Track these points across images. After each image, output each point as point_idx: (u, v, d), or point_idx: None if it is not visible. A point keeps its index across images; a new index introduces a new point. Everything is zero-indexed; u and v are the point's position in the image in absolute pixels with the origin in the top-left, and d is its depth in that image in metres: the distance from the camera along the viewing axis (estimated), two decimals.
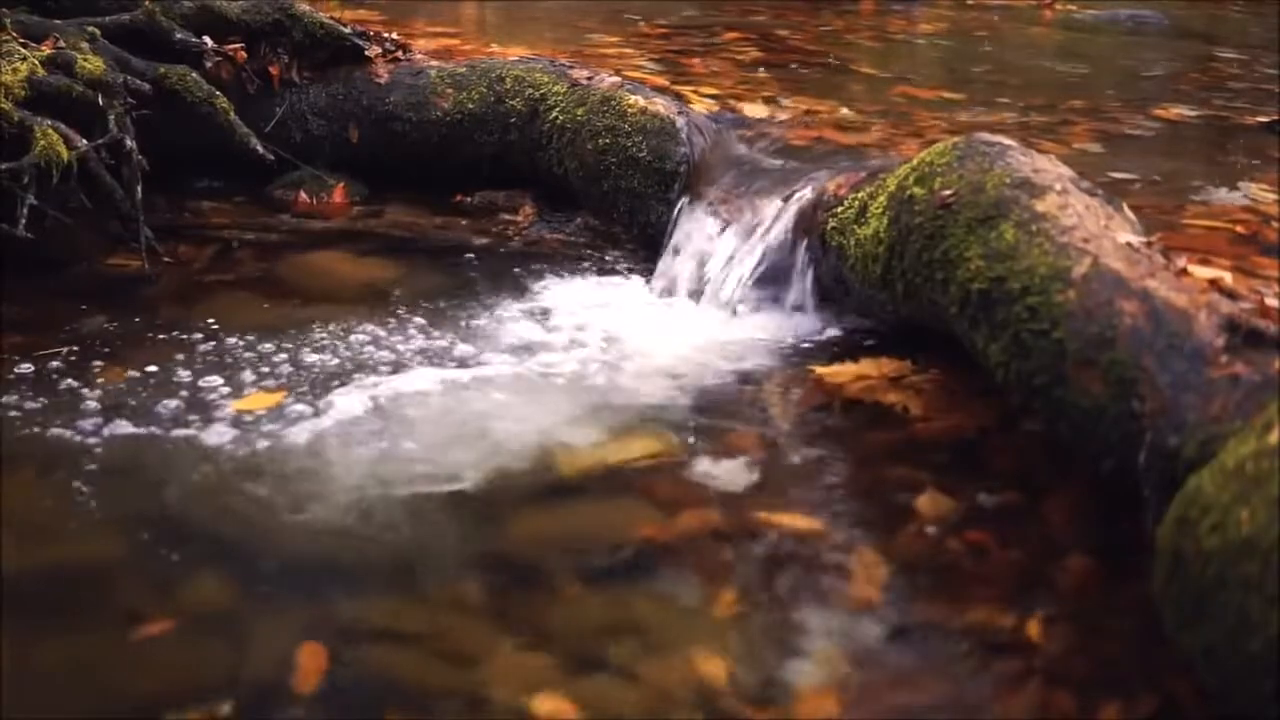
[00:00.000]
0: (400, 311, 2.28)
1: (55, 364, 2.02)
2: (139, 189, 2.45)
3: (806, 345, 2.17)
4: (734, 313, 2.28)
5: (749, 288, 2.29)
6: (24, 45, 2.48)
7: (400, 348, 2.13)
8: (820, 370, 2.06)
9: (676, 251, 2.42)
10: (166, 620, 1.43)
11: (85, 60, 2.49)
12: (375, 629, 1.44)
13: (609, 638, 1.42)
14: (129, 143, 2.45)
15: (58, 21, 2.65)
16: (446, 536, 1.63)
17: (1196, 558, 1.19)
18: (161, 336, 2.15)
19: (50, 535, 1.60)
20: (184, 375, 2.00)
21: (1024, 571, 1.55)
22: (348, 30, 2.93)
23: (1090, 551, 1.56)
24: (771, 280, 2.28)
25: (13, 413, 1.86)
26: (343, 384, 1.99)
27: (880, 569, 1.55)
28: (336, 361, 2.07)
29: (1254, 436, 1.23)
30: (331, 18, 2.96)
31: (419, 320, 2.25)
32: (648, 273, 2.48)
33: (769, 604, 1.50)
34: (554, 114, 2.77)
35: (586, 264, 2.57)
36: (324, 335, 2.17)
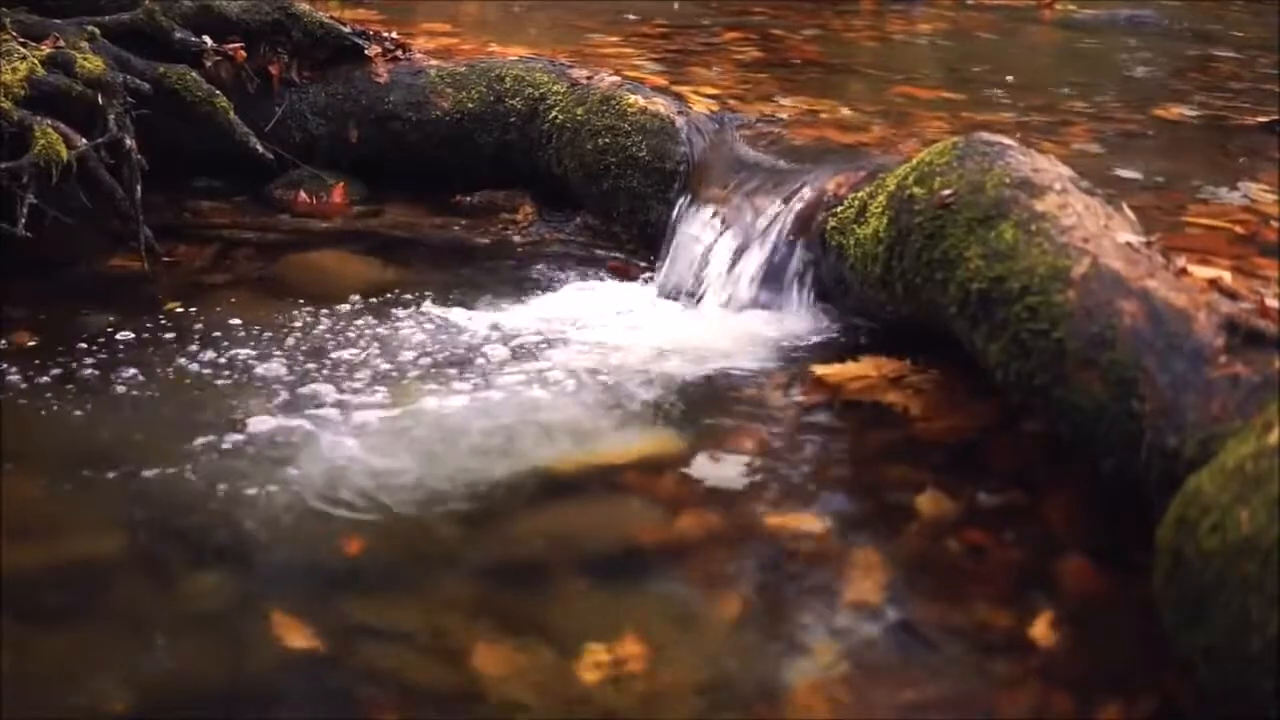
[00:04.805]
0: (399, 312, 2.28)
1: (55, 363, 2.02)
2: (139, 189, 2.45)
3: (806, 345, 2.17)
4: (734, 312, 2.28)
5: (749, 287, 2.28)
6: (24, 45, 2.47)
7: (399, 348, 2.13)
8: (820, 370, 2.06)
9: (676, 251, 2.42)
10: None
11: (85, 60, 2.49)
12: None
13: (608, 637, 1.42)
14: (129, 142, 2.45)
15: (58, 21, 2.65)
16: (446, 535, 1.63)
17: (1196, 558, 1.19)
18: (161, 336, 2.15)
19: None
20: (183, 374, 2.00)
21: (1024, 571, 1.55)
22: (347, 30, 2.93)
23: (1090, 551, 1.56)
24: (771, 280, 2.28)
25: (13, 412, 1.86)
26: (342, 383, 1.99)
27: (880, 569, 1.55)
28: (336, 361, 2.07)
29: (1254, 436, 1.23)
30: (331, 17, 2.96)
31: (418, 320, 2.24)
32: (648, 273, 2.48)
33: (768, 604, 1.50)
34: (554, 114, 2.76)
35: (586, 264, 2.56)
36: (323, 335, 2.17)
